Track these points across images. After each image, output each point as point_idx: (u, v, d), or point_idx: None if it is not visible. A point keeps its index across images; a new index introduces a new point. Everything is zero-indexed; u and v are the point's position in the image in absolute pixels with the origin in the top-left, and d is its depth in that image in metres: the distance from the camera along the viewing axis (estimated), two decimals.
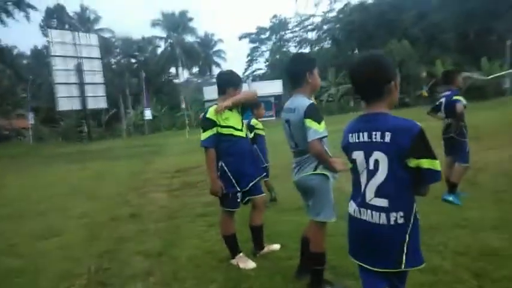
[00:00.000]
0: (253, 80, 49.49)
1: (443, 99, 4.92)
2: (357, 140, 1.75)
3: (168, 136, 29.65)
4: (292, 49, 54.99)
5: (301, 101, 2.61)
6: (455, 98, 4.69)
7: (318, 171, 2.63)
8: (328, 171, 2.63)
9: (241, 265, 3.38)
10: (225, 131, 3.27)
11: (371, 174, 1.70)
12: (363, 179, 1.74)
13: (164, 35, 50.30)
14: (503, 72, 30.20)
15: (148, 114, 31.00)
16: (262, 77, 53.58)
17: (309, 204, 2.75)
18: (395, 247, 1.68)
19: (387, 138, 1.62)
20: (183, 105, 38.90)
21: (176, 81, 53.63)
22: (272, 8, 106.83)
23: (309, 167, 2.66)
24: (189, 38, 52.07)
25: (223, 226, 3.49)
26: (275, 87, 43.15)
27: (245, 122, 4.82)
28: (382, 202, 1.67)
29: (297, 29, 55.18)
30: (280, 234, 4.01)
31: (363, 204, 1.74)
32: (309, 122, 2.50)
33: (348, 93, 37.63)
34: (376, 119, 1.70)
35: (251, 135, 5.05)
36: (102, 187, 8.48)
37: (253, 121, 5.30)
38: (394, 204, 1.65)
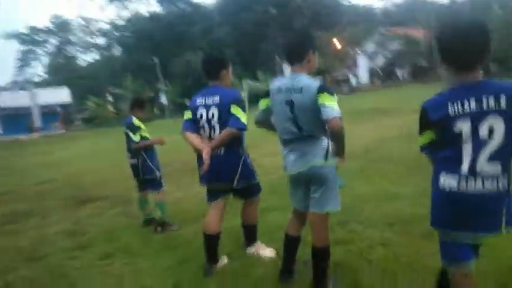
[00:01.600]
0: (27, 88, 41.55)
1: None
2: (460, 110, 1.69)
3: None
4: (78, 54, 49.79)
5: (308, 80, 2.36)
6: None
7: (329, 160, 2.42)
8: (333, 159, 2.46)
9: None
10: None
11: (482, 142, 1.67)
12: (468, 149, 1.69)
13: None
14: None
15: None
16: (42, 84, 45.98)
17: (314, 197, 2.48)
18: (500, 211, 1.71)
19: (503, 102, 1.63)
20: None
21: None
22: (38, 7, 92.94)
23: (317, 155, 2.40)
24: None
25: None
26: (61, 95, 37.73)
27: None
28: (496, 169, 1.67)
29: (81, 33, 50.20)
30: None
31: (470, 174, 1.69)
32: (325, 98, 2.26)
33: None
34: (482, 85, 1.69)
35: (137, 138, 4.19)
36: None
37: (137, 121, 4.31)
38: (504, 169, 1.68)
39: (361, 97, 24.83)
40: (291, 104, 2.39)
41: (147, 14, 45.70)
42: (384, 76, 37.74)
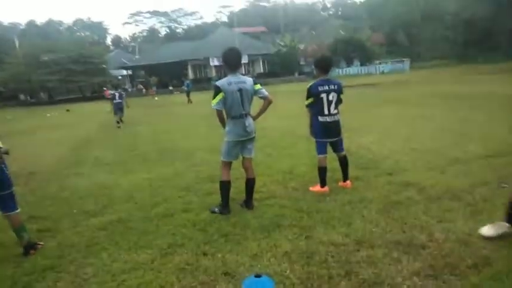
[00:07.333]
0: None
1: None
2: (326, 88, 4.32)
3: None
4: None
5: (246, 77, 3.95)
6: None
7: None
8: None
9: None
10: None
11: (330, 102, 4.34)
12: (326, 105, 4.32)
13: None
14: None
15: None
16: None
17: (250, 148, 4.07)
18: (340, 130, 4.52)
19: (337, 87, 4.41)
20: None
21: None
22: None
23: (253, 123, 4.05)
24: None
25: None
26: None
27: None
28: (336, 111, 4.42)
29: None
30: None
31: (328, 115, 4.30)
32: (259, 85, 3.95)
33: None
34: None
35: None
36: None
37: None
38: (338, 112, 4.44)
39: None
40: (240, 91, 3.77)
41: None
42: None
